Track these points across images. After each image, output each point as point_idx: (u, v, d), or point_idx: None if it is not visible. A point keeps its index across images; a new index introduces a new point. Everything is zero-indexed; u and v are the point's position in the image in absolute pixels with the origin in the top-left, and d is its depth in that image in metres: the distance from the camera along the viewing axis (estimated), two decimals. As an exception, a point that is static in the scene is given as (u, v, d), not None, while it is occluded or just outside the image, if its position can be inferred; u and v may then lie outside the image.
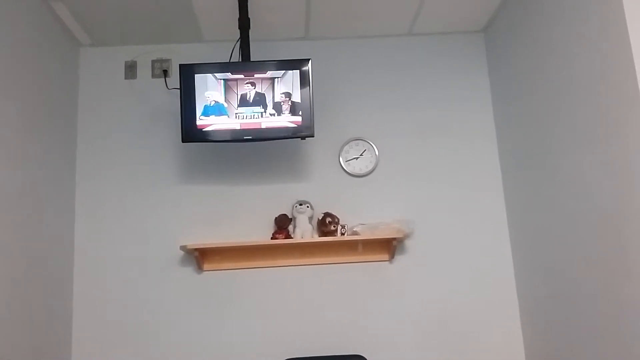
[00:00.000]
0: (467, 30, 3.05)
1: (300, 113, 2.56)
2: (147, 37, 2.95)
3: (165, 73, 2.96)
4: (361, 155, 2.93)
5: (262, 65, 2.59)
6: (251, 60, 2.65)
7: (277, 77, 2.58)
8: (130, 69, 2.99)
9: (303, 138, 2.64)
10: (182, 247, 2.71)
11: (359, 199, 2.89)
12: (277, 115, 2.56)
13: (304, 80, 2.58)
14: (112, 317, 2.75)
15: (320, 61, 2.98)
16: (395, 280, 2.83)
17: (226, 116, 2.55)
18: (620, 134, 1.88)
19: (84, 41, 2.95)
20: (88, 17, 2.73)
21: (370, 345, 2.75)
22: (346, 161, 2.93)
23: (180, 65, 2.60)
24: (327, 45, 3.04)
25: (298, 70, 2.58)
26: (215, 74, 2.56)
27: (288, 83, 2.57)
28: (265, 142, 2.78)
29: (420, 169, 2.94)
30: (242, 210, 2.86)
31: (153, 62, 3.00)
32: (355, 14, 2.81)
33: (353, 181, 2.91)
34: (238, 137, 2.57)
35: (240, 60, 2.66)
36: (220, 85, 2.56)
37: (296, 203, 2.81)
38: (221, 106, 2.55)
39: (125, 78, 2.99)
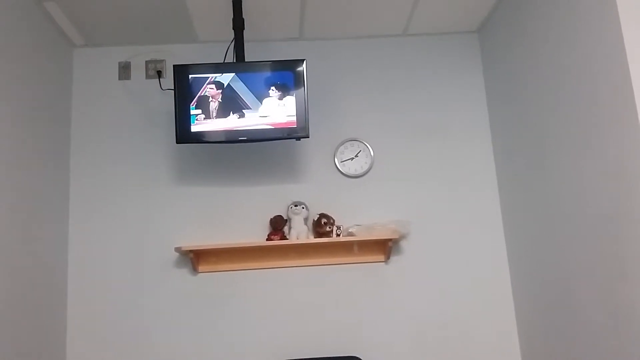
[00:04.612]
0: (462, 30, 3.05)
1: (295, 114, 2.55)
2: (141, 38, 2.93)
3: (159, 74, 2.95)
4: (356, 156, 2.93)
5: (257, 66, 2.58)
6: (245, 60, 2.65)
7: (272, 78, 2.57)
8: (124, 70, 2.98)
9: (298, 139, 2.63)
10: (177, 249, 2.70)
11: (354, 200, 2.88)
12: (272, 116, 2.55)
13: (298, 81, 2.57)
14: (107, 319, 2.74)
15: (314, 62, 2.98)
16: (390, 281, 2.82)
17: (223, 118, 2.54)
18: (615, 134, 1.88)
19: (77, 42, 2.93)
20: (81, 18, 2.71)
21: (366, 346, 2.75)
22: (341, 162, 2.92)
23: (175, 66, 2.59)
24: (322, 46, 3.03)
25: (293, 71, 2.57)
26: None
27: (283, 84, 2.57)
28: (260, 143, 2.77)
29: (416, 169, 2.93)
30: (237, 212, 2.85)
31: (147, 62, 2.98)
32: (350, 14, 2.81)
33: (348, 182, 2.91)
34: (232, 138, 2.56)
35: (234, 60, 2.65)
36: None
37: (291, 204, 2.80)
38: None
39: (119, 79, 2.98)
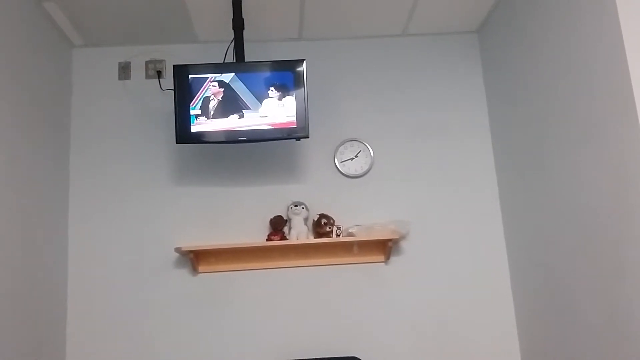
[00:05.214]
0: (461, 30, 3.05)
1: (294, 114, 2.55)
2: (140, 38, 2.93)
3: (159, 74, 2.95)
4: (356, 156, 2.93)
5: (257, 66, 2.58)
6: (245, 60, 2.64)
7: (272, 78, 2.57)
8: (124, 70, 2.98)
9: (298, 139, 2.63)
10: (177, 249, 2.70)
11: (354, 200, 2.88)
12: (272, 116, 2.55)
13: (298, 81, 2.57)
14: (107, 319, 2.74)
15: (314, 62, 2.97)
16: (390, 281, 2.82)
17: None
18: (614, 133, 1.88)
19: (77, 42, 2.93)
20: (81, 18, 2.71)
21: (366, 347, 2.74)
22: (341, 162, 2.92)
23: (174, 66, 2.58)
24: (321, 46, 3.03)
25: (292, 71, 2.57)
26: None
27: (282, 84, 2.56)
28: (260, 143, 2.77)
29: (416, 169, 2.93)
30: (237, 212, 2.85)
31: (147, 62, 2.98)
32: (349, 14, 2.81)
33: (348, 182, 2.91)
34: (233, 138, 2.56)
35: (234, 61, 2.65)
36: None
37: (291, 204, 2.80)
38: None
39: (119, 79, 2.97)
